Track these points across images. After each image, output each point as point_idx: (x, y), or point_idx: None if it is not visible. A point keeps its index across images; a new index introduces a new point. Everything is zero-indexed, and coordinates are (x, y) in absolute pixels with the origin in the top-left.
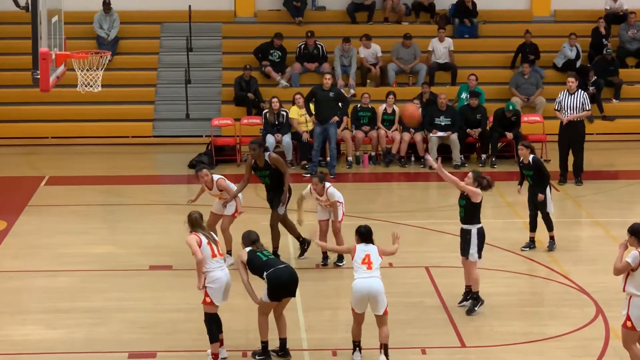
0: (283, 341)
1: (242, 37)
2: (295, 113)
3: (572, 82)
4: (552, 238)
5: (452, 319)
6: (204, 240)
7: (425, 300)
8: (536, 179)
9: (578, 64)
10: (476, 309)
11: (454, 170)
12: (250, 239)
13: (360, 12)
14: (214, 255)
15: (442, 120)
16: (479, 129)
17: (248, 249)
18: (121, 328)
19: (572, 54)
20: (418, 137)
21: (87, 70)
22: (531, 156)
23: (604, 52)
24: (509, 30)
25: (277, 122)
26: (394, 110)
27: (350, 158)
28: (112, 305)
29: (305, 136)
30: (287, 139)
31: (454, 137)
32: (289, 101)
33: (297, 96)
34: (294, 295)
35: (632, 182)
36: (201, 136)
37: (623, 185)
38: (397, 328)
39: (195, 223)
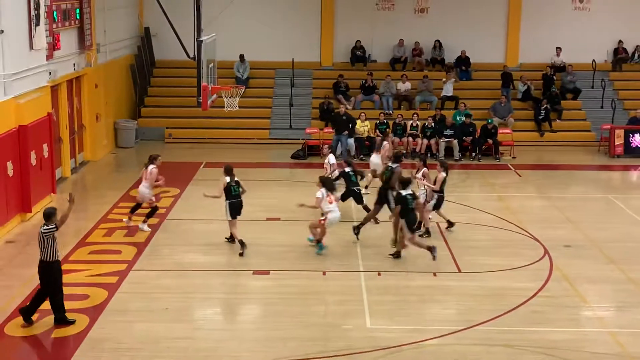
0: (240, 241)
1: (325, 79)
2: (359, 125)
3: None
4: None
5: (453, 254)
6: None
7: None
8: None
9: (529, 96)
10: None
11: (454, 162)
12: (227, 170)
13: (398, 63)
14: None
15: (448, 132)
16: (471, 137)
17: (227, 178)
18: (248, 254)
19: (522, 89)
20: (433, 142)
21: (230, 97)
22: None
23: (551, 89)
24: (490, 75)
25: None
26: (417, 124)
27: None
28: (245, 241)
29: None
30: (351, 141)
31: (455, 142)
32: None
33: (362, 115)
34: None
35: (567, 172)
36: (299, 139)
37: (562, 174)
38: (416, 260)
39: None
